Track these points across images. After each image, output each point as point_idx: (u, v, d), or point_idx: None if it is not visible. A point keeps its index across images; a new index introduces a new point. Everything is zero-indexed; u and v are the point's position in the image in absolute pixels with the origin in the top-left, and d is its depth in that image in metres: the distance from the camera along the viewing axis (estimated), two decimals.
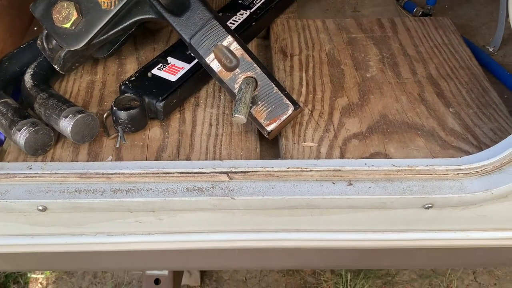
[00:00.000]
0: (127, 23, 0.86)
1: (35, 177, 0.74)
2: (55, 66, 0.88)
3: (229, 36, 0.81)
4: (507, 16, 1.07)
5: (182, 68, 0.91)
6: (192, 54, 0.87)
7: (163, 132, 0.86)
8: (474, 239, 0.81)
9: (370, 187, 0.74)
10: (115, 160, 0.81)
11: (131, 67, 1.00)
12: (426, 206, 0.75)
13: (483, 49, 1.13)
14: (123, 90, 0.87)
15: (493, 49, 1.13)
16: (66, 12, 0.82)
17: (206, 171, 0.74)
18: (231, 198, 0.73)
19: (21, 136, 0.77)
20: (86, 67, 0.99)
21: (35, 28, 1.12)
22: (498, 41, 1.13)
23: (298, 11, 1.21)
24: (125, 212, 0.76)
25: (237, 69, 0.81)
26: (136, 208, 0.75)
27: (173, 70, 0.91)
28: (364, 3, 1.29)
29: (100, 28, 0.83)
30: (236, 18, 1.04)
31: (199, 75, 0.91)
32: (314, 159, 0.80)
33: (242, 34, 1.02)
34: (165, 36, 1.07)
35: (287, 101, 0.80)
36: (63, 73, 0.91)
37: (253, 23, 1.04)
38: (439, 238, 0.81)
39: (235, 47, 0.81)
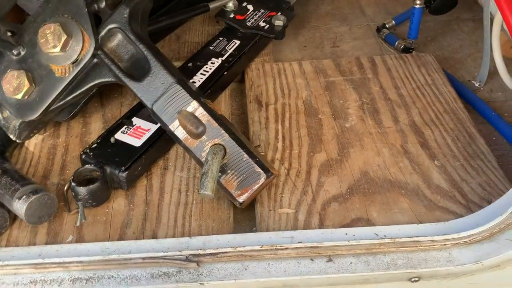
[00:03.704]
0: (85, 87, 0.80)
1: None
2: (11, 136, 0.82)
3: (194, 102, 0.75)
4: (491, 50, 1.03)
5: (148, 130, 0.85)
6: (154, 119, 0.81)
7: (128, 204, 0.80)
8: None
9: (351, 263, 0.69)
10: (76, 241, 0.74)
11: (96, 126, 0.94)
12: (413, 279, 0.70)
13: (469, 84, 1.08)
14: (83, 160, 0.81)
15: (479, 84, 1.08)
16: (17, 82, 0.76)
17: (172, 254, 0.68)
18: (200, 284, 0.67)
19: None
20: (48, 129, 0.93)
21: None
22: (484, 76, 1.08)
23: (275, 50, 1.15)
24: None
25: (204, 136, 0.76)
26: None
27: (138, 133, 0.85)
28: (343, 37, 1.24)
29: (56, 96, 0.77)
30: (207, 68, 0.99)
31: (167, 137, 0.85)
32: (292, 229, 0.74)
33: (214, 84, 0.97)
34: None
35: (259, 169, 0.75)
36: (20, 142, 0.85)
37: (225, 72, 0.99)
38: None
39: (200, 112, 0.75)
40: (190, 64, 1.00)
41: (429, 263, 0.68)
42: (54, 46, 0.73)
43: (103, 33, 0.77)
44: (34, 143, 0.91)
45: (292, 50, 1.19)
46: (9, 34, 0.77)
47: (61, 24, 0.74)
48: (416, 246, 0.69)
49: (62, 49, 0.74)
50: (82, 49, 0.75)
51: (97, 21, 0.78)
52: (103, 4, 0.79)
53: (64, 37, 0.73)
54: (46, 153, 0.89)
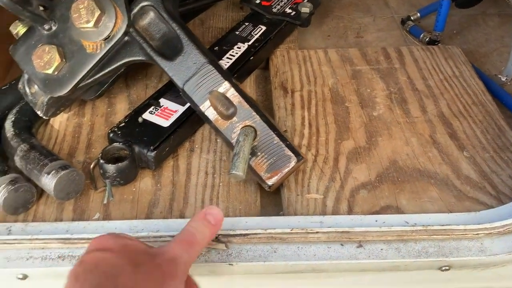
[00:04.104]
0: (115, 65, 0.79)
1: (14, 243, 0.67)
2: (38, 112, 0.82)
3: (226, 82, 0.75)
4: None
5: (176, 111, 0.84)
6: (184, 99, 0.80)
7: (155, 184, 0.79)
8: None
9: (382, 249, 0.68)
10: (103, 218, 0.74)
11: (121, 107, 0.93)
12: (443, 268, 0.69)
13: (495, 79, 1.07)
14: (111, 139, 0.80)
15: (506, 79, 1.07)
16: (48, 56, 0.75)
17: None
18: (229, 264, 0.66)
19: (0, 195, 0.71)
20: (73, 108, 0.92)
21: None
22: (511, 70, 1.06)
23: (299, 38, 1.14)
24: None
25: (235, 118, 0.75)
26: None
27: (165, 114, 0.84)
28: (367, 28, 1.23)
29: (86, 73, 0.76)
30: (233, 52, 0.98)
31: (194, 119, 0.84)
32: (320, 214, 0.74)
33: (240, 69, 0.96)
34: (158, 71, 1.01)
35: (290, 153, 0.74)
36: (46, 118, 0.85)
37: (252, 57, 0.98)
38: None
39: (232, 93, 0.75)
40: (216, 48, 0.99)
41: (460, 252, 0.68)
42: (87, 21, 0.73)
43: (135, 10, 0.77)
44: (59, 121, 0.90)
45: (316, 39, 1.18)
46: (41, 8, 0.76)
47: None
48: (448, 235, 0.68)
49: (95, 24, 0.73)
50: (114, 26, 0.74)
51: None
52: None
53: (97, 13, 0.72)
54: (72, 131, 0.88)
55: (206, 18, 1.18)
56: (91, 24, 0.73)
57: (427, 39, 1.16)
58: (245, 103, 0.74)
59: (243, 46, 1.00)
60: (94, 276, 0.50)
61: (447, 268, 0.69)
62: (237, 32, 1.03)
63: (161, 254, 0.54)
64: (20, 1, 0.72)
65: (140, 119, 0.82)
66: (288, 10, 1.09)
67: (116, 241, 0.55)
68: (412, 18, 1.23)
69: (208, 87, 0.75)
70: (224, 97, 0.75)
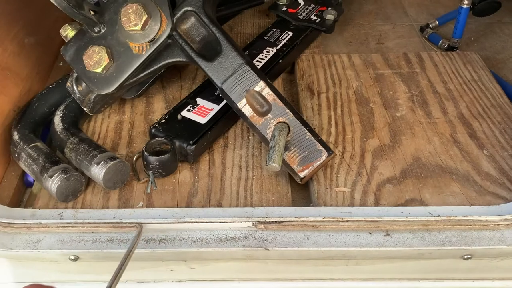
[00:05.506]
0: (157, 66, 0.85)
1: (67, 226, 0.73)
2: (85, 109, 0.88)
3: (261, 82, 0.80)
4: None
5: (211, 109, 0.90)
6: (222, 97, 0.86)
7: (193, 176, 0.85)
8: None
9: (408, 238, 0.73)
10: (146, 206, 0.80)
11: (158, 106, 0.99)
12: (465, 257, 0.73)
13: None
14: (153, 134, 0.86)
15: None
16: (98, 57, 0.81)
17: (239, 220, 0.73)
18: (265, 249, 0.71)
19: (53, 183, 0.77)
20: (114, 107, 0.99)
21: (60, 64, 1.13)
22: None
23: (322, 44, 1.20)
24: (157, 261, 0.75)
25: (269, 114, 0.80)
26: (168, 257, 0.74)
27: (202, 112, 0.90)
28: (387, 34, 1.28)
29: (132, 72, 0.83)
30: (262, 56, 1.04)
31: (229, 116, 0.90)
32: (348, 206, 0.79)
33: (269, 72, 1.02)
34: (191, 73, 1.07)
35: (321, 147, 0.79)
36: (92, 114, 0.91)
37: (280, 61, 1.04)
38: (476, 287, 0.79)
39: (267, 92, 0.80)
40: (247, 52, 1.05)
41: (482, 242, 0.72)
42: (135, 24, 0.79)
43: (178, 15, 0.83)
44: (101, 118, 0.97)
45: (338, 45, 1.24)
46: (91, 13, 0.83)
47: (142, 4, 0.79)
48: (470, 225, 0.73)
49: (142, 27, 0.79)
50: (159, 29, 0.81)
51: (171, 4, 0.84)
52: None
53: (145, 17, 0.79)
54: (113, 128, 0.95)
55: (235, 25, 1.24)
56: (138, 27, 0.79)
57: (445, 46, 1.21)
58: (279, 101, 0.80)
59: (272, 51, 1.06)
60: None
61: (469, 256, 0.73)
62: (265, 37, 1.09)
63: None
64: (75, 5, 0.78)
65: (179, 116, 0.88)
66: (313, 17, 1.15)
67: None
68: (431, 25, 1.28)
69: (245, 86, 0.81)
70: (259, 95, 0.80)
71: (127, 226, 0.73)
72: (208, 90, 0.94)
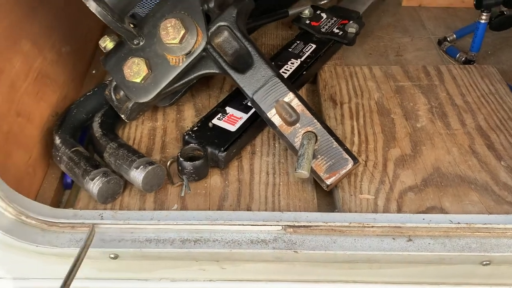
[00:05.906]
0: (191, 76, 0.90)
1: (110, 226, 0.78)
2: (122, 116, 0.93)
3: (290, 93, 0.85)
4: None
5: (240, 118, 0.95)
6: (252, 107, 0.91)
7: (223, 181, 0.90)
8: None
9: (429, 243, 0.76)
10: (181, 209, 0.85)
11: (188, 114, 1.04)
12: (484, 263, 0.77)
13: None
14: (186, 141, 0.91)
15: None
16: (137, 68, 0.87)
17: (269, 223, 0.77)
18: (294, 251, 0.76)
19: (94, 185, 0.82)
20: (146, 114, 1.04)
21: (94, 71, 1.18)
22: None
23: (343, 55, 1.25)
24: (191, 261, 0.80)
25: (298, 124, 0.85)
26: (202, 257, 0.79)
27: (232, 120, 0.95)
28: (406, 47, 1.32)
29: (168, 83, 0.88)
30: (287, 67, 1.09)
31: (256, 125, 0.95)
32: (372, 212, 0.83)
33: (294, 83, 1.07)
34: (219, 83, 1.12)
35: (347, 156, 0.84)
36: (128, 121, 0.96)
37: (304, 72, 1.09)
38: None
39: (296, 103, 0.85)
40: (272, 62, 1.10)
41: (501, 248, 0.76)
42: (174, 38, 0.84)
43: (212, 29, 0.88)
44: (135, 125, 1.02)
45: (359, 56, 1.28)
46: (131, 26, 0.88)
47: (180, 19, 0.85)
48: (490, 232, 0.76)
49: (180, 41, 0.85)
50: (195, 43, 0.86)
51: (206, 18, 0.89)
52: (212, 4, 0.90)
53: (183, 31, 0.84)
54: (147, 134, 1.00)
55: (259, 36, 1.29)
56: (177, 40, 0.84)
57: (463, 59, 1.25)
58: (307, 112, 0.85)
59: (296, 62, 1.11)
60: None
61: (487, 262, 0.77)
62: (290, 49, 1.14)
63: None
64: (117, 19, 0.84)
65: (210, 124, 0.93)
66: (335, 30, 1.20)
67: None
68: (448, 39, 1.32)
69: (275, 97, 0.86)
70: (288, 106, 0.85)
71: (164, 226, 0.78)
72: (237, 99, 0.99)
